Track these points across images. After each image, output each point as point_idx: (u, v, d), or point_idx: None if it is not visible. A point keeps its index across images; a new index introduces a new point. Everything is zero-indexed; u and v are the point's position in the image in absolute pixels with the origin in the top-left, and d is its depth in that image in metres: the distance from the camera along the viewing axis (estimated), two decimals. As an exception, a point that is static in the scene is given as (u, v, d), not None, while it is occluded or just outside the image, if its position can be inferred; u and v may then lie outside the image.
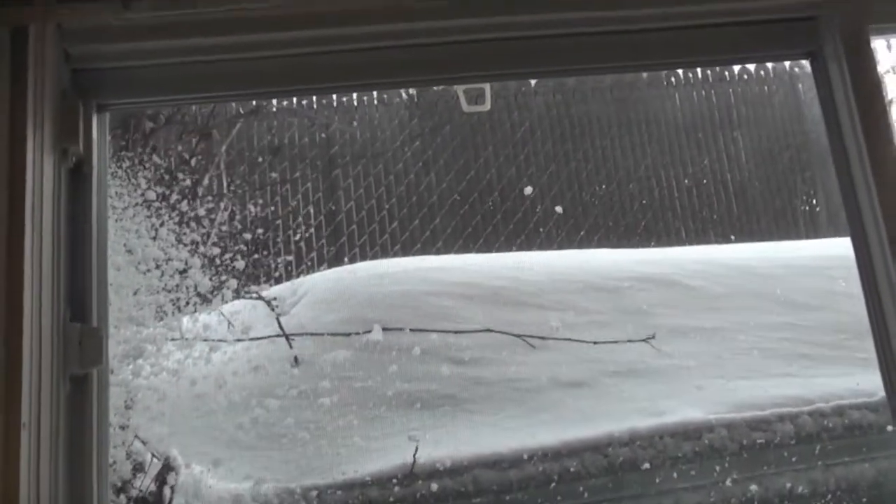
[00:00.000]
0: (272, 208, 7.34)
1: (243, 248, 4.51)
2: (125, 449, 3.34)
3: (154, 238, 3.72)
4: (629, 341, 4.37)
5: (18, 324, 1.66)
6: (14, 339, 1.65)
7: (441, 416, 3.89)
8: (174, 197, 4.10)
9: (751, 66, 8.95)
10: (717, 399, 4.06)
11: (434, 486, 3.52)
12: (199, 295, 3.85)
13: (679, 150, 8.52)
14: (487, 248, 7.62)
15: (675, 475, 3.73)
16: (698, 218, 8.29)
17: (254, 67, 2.04)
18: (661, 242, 7.80)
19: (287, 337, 4.21)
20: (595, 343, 4.34)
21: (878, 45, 2.20)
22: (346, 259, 7.33)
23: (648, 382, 4.18)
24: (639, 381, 4.18)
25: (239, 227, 4.98)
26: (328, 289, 4.69)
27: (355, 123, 8.06)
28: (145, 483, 3.35)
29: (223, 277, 4.12)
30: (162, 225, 3.80)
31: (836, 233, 6.94)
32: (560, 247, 7.58)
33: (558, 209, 7.87)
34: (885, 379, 1.97)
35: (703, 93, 8.85)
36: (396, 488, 3.51)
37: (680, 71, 8.74)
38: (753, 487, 3.76)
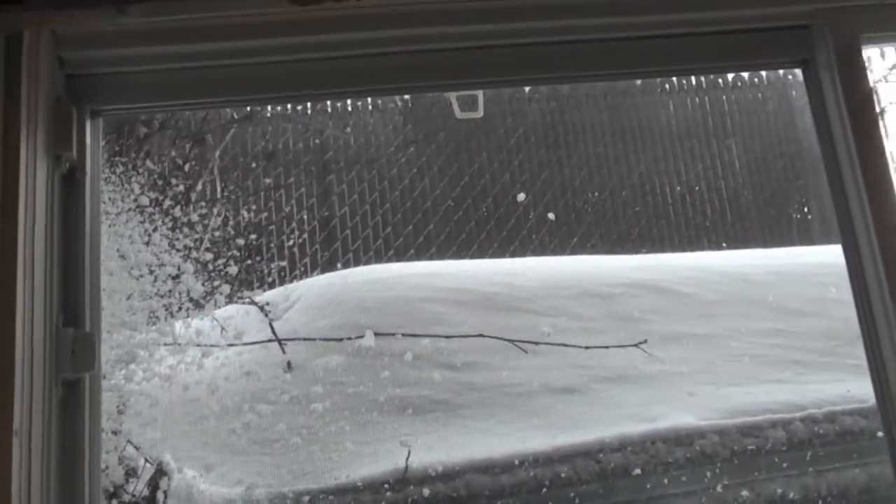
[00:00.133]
0: (266, 214, 7.34)
1: (236, 253, 4.50)
2: (117, 454, 3.33)
3: (147, 243, 3.72)
4: (621, 346, 4.37)
5: (10, 329, 1.66)
6: (6, 344, 1.66)
7: (433, 422, 3.89)
8: (167, 202, 4.10)
9: (744, 73, 8.96)
10: (709, 405, 4.07)
11: (426, 491, 3.52)
12: (191, 300, 3.84)
13: (673, 156, 8.53)
14: (481, 254, 7.63)
15: (666, 481, 3.73)
16: (691, 225, 8.31)
17: (248, 73, 2.05)
18: (654, 249, 7.80)
19: (280, 342, 4.21)
20: (587, 348, 4.34)
21: (872, 53, 2.22)
22: (338, 265, 7.32)
23: (640, 388, 4.18)
24: (631, 387, 4.18)
25: (232, 232, 4.98)
26: (321, 294, 4.69)
27: (349, 129, 8.06)
28: (138, 488, 3.35)
29: (216, 283, 4.12)
30: (155, 230, 3.80)
31: (828, 240, 6.95)
32: (554, 253, 7.59)
33: (550, 216, 7.88)
34: (875, 385, 1.98)
35: (697, 100, 8.87)
36: (388, 493, 3.51)
37: (674, 78, 8.75)
38: (745, 493, 3.76)
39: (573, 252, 7.61)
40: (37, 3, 1.88)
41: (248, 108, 6.25)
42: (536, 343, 4.34)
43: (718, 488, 3.76)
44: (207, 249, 4.24)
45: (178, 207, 4.16)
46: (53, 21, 1.89)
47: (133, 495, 3.32)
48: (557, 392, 4.12)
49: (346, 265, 7.32)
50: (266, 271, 6.76)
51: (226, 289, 4.15)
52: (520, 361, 4.26)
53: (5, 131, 1.76)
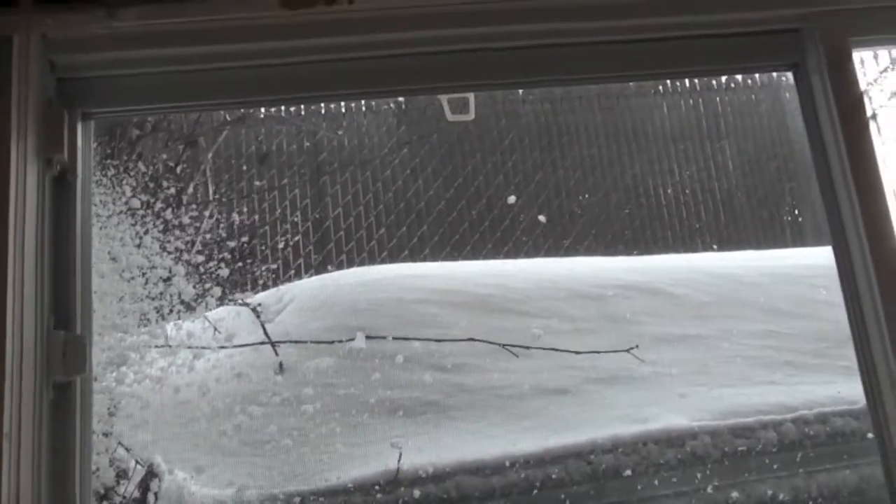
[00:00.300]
0: (258, 216, 7.32)
1: (228, 255, 4.49)
2: (108, 456, 3.33)
3: (139, 246, 3.71)
4: (612, 351, 4.37)
5: (1, 331, 1.67)
6: (-3, 346, 1.66)
7: (424, 423, 3.89)
8: (159, 205, 4.09)
9: (737, 75, 8.98)
10: (700, 406, 4.07)
11: (417, 493, 3.52)
12: (182, 302, 3.84)
13: (666, 158, 8.54)
14: (475, 255, 7.62)
15: (657, 482, 3.74)
16: (685, 226, 8.31)
17: (240, 77, 2.05)
18: (647, 251, 7.81)
19: (273, 344, 4.21)
20: (577, 353, 4.34)
21: (865, 56, 2.22)
22: (331, 267, 7.31)
23: (632, 389, 4.19)
24: (622, 389, 4.19)
25: (224, 234, 4.96)
26: (314, 296, 4.69)
27: (342, 131, 8.06)
28: (129, 490, 3.35)
29: (207, 285, 4.11)
30: (146, 233, 3.79)
31: (820, 242, 6.96)
32: (547, 254, 7.59)
33: (541, 218, 7.88)
34: (865, 387, 1.99)
35: (691, 101, 8.88)
36: (379, 495, 3.51)
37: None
38: (735, 494, 3.77)
39: (567, 254, 7.61)
40: (27, 6, 1.88)
41: (241, 111, 6.24)
42: (528, 347, 4.34)
43: (709, 489, 3.77)
44: (199, 252, 4.24)
45: (170, 210, 4.15)
46: (44, 25, 1.89)
47: (124, 497, 3.32)
48: (549, 393, 4.12)
49: (339, 267, 7.31)
50: (258, 273, 6.75)
51: (217, 291, 4.15)
52: (511, 364, 4.26)
53: (-4, 135, 1.76)
